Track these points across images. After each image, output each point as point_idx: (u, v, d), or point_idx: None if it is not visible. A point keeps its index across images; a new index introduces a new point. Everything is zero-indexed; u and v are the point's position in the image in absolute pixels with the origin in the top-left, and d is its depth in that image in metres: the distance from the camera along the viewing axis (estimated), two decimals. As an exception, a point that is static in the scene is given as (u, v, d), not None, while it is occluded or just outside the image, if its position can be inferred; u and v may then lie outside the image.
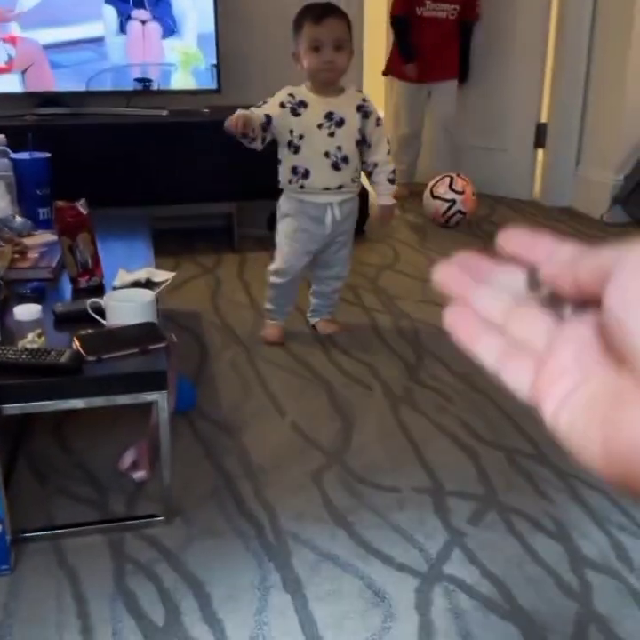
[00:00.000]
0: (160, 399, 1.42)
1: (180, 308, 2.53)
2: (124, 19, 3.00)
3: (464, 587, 1.38)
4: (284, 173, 2.19)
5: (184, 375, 1.96)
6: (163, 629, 1.28)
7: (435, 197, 3.50)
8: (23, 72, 2.98)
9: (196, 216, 3.35)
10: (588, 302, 0.27)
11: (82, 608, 1.32)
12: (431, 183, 3.56)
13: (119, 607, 1.32)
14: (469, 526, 1.54)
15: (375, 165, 2.22)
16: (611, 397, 0.25)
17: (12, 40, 2.93)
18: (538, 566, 1.44)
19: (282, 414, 1.96)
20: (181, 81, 3.10)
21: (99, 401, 1.42)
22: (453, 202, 3.46)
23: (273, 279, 2.30)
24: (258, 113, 2.07)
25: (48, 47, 2.96)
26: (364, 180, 2.31)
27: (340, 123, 2.13)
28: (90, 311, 1.56)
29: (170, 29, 3.04)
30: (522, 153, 4.00)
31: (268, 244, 3.19)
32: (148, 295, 1.60)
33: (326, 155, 2.14)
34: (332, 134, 2.13)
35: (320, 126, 2.13)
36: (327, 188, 2.16)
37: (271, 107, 2.10)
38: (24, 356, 1.37)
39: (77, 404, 1.41)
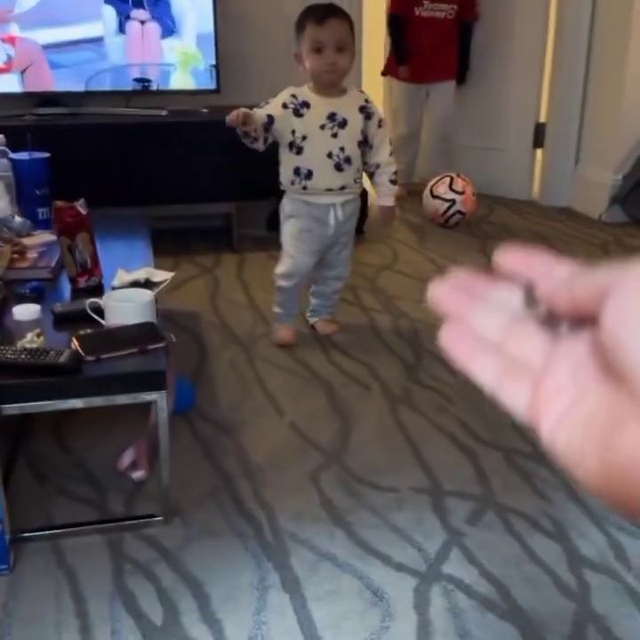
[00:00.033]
0: (159, 399, 1.42)
1: (178, 308, 2.53)
2: (124, 19, 3.00)
3: (462, 586, 1.39)
4: (285, 174, 2.18)
5: (183, 375, 1.96)
6: (161, 629, 1.29)
7: (434, 197, 3.51)
8: (22, 72, 2.98)
9: (195, 216, 3.35)
10: (585, 319, 0.26)
11: (81, 607, 1.33)
12: (431, 183, 3.57)
13: (118, 607, 1.33)
14: (468, 526, 1.55)
15: (377, 166, 2.22)
16: (608, 416, 0.25)
17: (12, 40, 2.93)
18: (536, 566, 1.44)
19: (280, 414, 1.96)
20: (180, 81, 3.10)
21: (98, 401, 1.42)
22: (453, 202, 3.46)
23: (280, 282, 2.27)
24: (260, 113, 2.07)
25: (47, 47, 2.96)
26: (365, 180, 2.31)
27: (343, 123, 2.13)
28: (89, 311, 1.56)
29: (169, 29, 3.05)
30: (520, 153, 4.00)
31: (266, 244, 3.20)
32: (146, 295, 1.60)
33: (329, 155, 2.14)
34: (334, 135, 2.13)
35: (323, 127, 2.12)
36: (330, 189, 2.16)
37: (273, 107, 2.10)
38: (23, 356, 1.37)
39: (76, 403, 1.41)
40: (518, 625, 1.31)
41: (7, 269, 1.76)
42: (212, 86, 3.09)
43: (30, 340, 1.43)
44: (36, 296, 1.65)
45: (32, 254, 1.88)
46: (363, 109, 2.16)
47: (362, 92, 2.27)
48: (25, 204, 2.15)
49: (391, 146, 2.25)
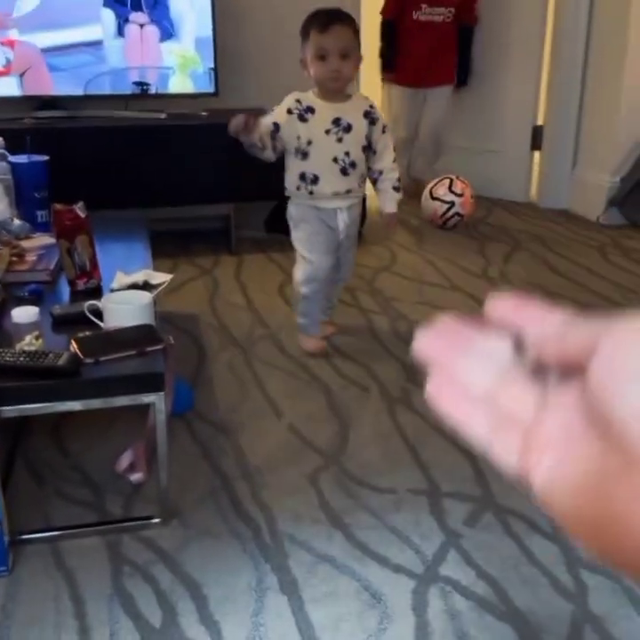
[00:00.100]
0: (157, 401, 1.43)
1: (177, 309, 2.54)
2: (122, 22, 3.00)
3: (460, 588, 1.39)
4: (291, 180, 2.18)
5: (181, 377, 1.96)
6: (160, 631, 1.29)
7: (434, 199, 3.52)
8: (21, 75, 2.99)
9: (194, 218, 3.36)
10: (575, 369, 0.26)
11: (79, 609, 1.33)
12: (430, 184, 3.57)
13: (116, 608, 1.33)
14: (465, 527, 1.55)
15: (380, 173, 2.22)
16: (599, 471, 0.25)
17: (11, 43, 2.94)
18: (534, 567, 1.44)
19: (279, 416, 1.96)
20: (179, 84, 3.11)
21: (96, 403, 1.43)
22: (452, 204, 3.47)
23: (303, 289, 2.24)
24: (266, 121, 2.08)
25: (46, 50, 2.97)
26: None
27: (348, 128, 2.14)
28: (87, 313, 1.56)
29: (168, 33, 3.05)
30: (518, 155, 4.01)
31: (265, 246, 3.21)
32: (145, 297, 1.60)
33: (335, 160, 2.14)
34: (340, 140, 2.13)
35: (328, 132, 2.12)
36: (337, 194, 2.17)
37: (278, 114, 2.11)
38: (22, 359, 1.37)
39: (75, 405, 1.42)
40: (516, 626, 1.31)
41: (6, 272, 1.77)
42: (211, 89, 3.10)
43: (29, 343, 1.44)
44: (35, 298, 1.66)
45: (31, 257, 1.88)
46: (367, 115, 2.17)
47: (366, 97, 2.27)
48: (24, 206, 2.15)
49: (395, 153, 2.25)
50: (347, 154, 2.14)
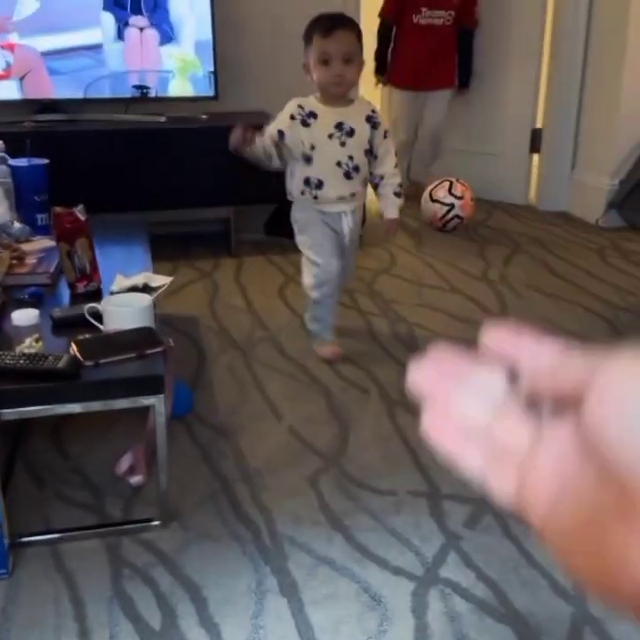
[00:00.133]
0: (157, 403, 1.43)
1: (177, 312, 2.54)
2: (122, 25, 3.01)
3: (460, 590, 1.39)
4: (295, 185, 2.18)
5: (181, 379, 1.97)
6: (159, 633, 1.29)
7: (434, 201, 3.52)
8: (21, 79, 2.99)
9: (194, 221, 3.36)
10: (569, 403, 0.26)
11: (79, 612, 1.33)
12: (430, 187, 3.58)
13: (116, 611, 1.33)
14: (465, 529, 1.55)
15: (381, 178, 2.22)
16: (594, 507, 0.25)
17: (11, 47, 2.94)
18: (533, 569, 1.44)
19: (279, 418, 1.96)
20: (179, 88, 3.11)
21: (96, 405, 1.43)
22: (452, 206, 3.47)
23: (315, 294, 2.22)
24: (270, 130, 2.09)
25: (46, 54, 2.97)
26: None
27: (351, 133, 2.14)
28: (87, 316, 1.57)
29: (167, 36, 3.06)
30: (517, 158, 4.01)
31: (265, 249, 3.21)
32: (145, 300, 1.61)
33: (339, 164, 2.14)
34: (343, 144, 2.14)
35: (331, 136, 2.13)
36: (341, 198, 2.17)
37: (281, 121, 2.11)
38: (22, 361, 1.38)
39: (75, 408, 1.42)
40: (515, 628, 1.31)
41: (6, 275, 1.77)
42: (211, 93, 3.10)
43: (29, 345, 1.44)
44: (35, 301, 1.66)
45: (31, 260, 1.88)
46: (369, 119, 2.17)
47: (368, 102, 2.28)
48: (24, 209, 2.16)
49: (396, 158, 2.25)
50: (350, 158, 2.15)
